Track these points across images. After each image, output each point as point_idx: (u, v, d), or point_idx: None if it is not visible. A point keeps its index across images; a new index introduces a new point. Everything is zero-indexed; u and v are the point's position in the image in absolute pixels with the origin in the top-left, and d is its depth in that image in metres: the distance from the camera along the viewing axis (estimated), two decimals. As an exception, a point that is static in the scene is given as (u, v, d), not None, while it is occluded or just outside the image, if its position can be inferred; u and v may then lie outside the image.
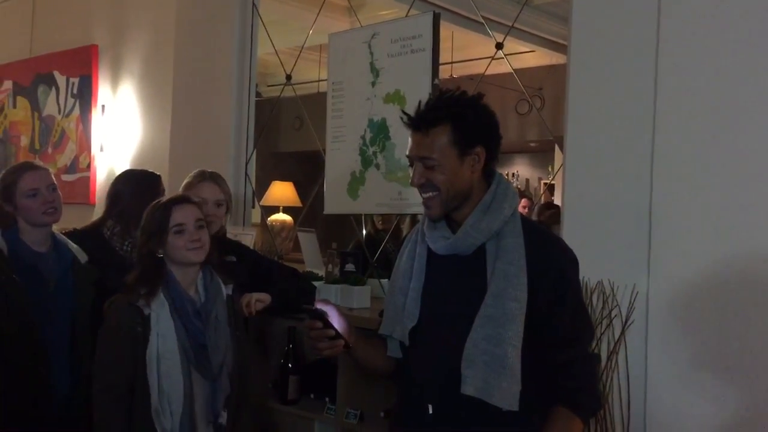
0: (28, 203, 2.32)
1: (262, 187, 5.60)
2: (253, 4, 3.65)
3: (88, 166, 4.59)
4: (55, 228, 2.44)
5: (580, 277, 1.76)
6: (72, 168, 4.71)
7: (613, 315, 2.25)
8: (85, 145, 4.63)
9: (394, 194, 2.96)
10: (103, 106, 4.55)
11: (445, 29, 3.80)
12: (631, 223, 2.26)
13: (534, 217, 4.94)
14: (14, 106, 5.24)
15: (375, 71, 3.03)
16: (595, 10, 2.40)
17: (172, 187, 2.84)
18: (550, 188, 7.00)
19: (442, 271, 1.71)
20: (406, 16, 3.10)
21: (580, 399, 1.64)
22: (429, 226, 1.72)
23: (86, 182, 4.58)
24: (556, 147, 3.21)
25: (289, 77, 3.67)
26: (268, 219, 5.38)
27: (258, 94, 3.89)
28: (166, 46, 4.05)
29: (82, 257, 2.41)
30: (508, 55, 2.95)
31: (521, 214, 1.71)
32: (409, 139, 1.68)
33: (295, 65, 3.68)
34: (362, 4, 5.10)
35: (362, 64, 3.06)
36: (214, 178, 2.55)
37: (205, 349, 2.04)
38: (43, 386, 2.26)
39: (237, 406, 2.13)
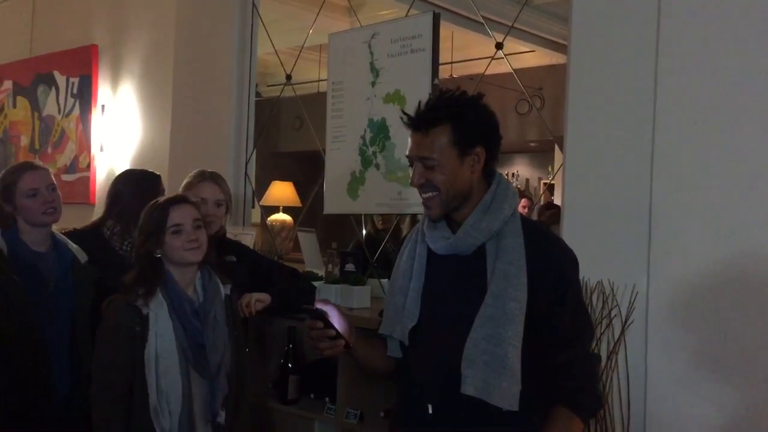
0: (28, 203, 2.32)
1: (262, 187, 5.60)
2: (253, 4, 3.65)
3: (88, 166, 4.59)
4: (54, 228, 2.44)
5: (580, 277, 1.76)
6: (72, 168, 4.71)
7: (612, 315, 2.25)
8: (84, 145, 4.63)
9: (394, 194, 2.96)
10: (103, 106, 4.55)
11: (445, 29, 3.80)
12: (631, 223, 2.26)
13: (534, 218, 4.94)
14: (14, 106, 5.24)
15: (375, 71, 3.03)
16: (595, 10, 2.40)
17: (172, 187, 2.84)
18: (550, 188, 7.01)
19: (442, 271, 1.71)
20: (406, 16, 3.10)
21: (580, 399, 1.64)
22: (429, 226, 1.72)
23: (86, 182, 4.59)
24: (556, 147, 3.21)
25: (289, 77, 3.67)
26: (268, 219, 5.38)
27: (258, 94, 3.89)
28: (166, 46, 4.05)
29: (82, 257, 2.41)
30: (508, 55, 2.95)
31: (521, 214, 1.71)
32: (409, 139, 1.67)
33: (295, 65, 3.68)
34: (362, 4, 5.10)
35: (362, 64, 3.06)
36: (214, 178, 2.55)
37: (204, 348, 2.04)
38: (43, 386, 2.26)
39: (235, 406, 2.13)
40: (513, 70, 3.02)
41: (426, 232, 1.73)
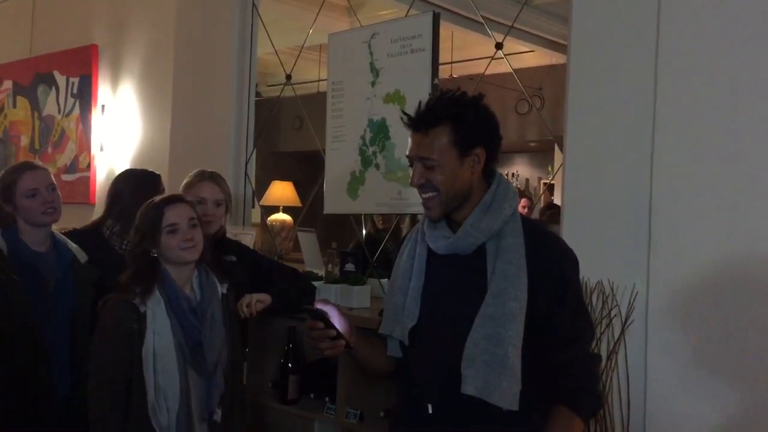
0: (28, 203, 2.33)
1: (261, 187, 5.60)
2: (253, 3, 3.65)
3: (88, 165, 4.59)
4: (54, 228, 2.44)
5: (580, 277, 1.76)
6: (72, 168, 4.71)
7: (612, 315, 2.25)
8: (85, 144, 4.63)
9: (393, 194, 2.96)
10: (103, 106, 4.55)
11: (445, 29, 3.80)
12: (631, 223, 2.26)
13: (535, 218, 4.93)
14: (14, 106, 5.24)
15: (375, 71, 3.03)
16: (595, 10, 2.40)
17: (172, 187, 2.84)
18: (550, 188, 7.00)
19: (442, 271, 1.71)
20: (406, 15, 3.10)
21: (580, 398, 1.65)
22: (429, 226, 1.72)
23: (86, 182, 4.58)
24: (556, 147, 3.20)
25: (288, 77, 3.67)
26: (268, 219, 5.37)
27: (258, 94, 3.89)
28: (166, 45, 4.05)
29: (82, 257, 2.41)
30: (507, 55, 2.95)
31: (521, 214, 1.71)
32: (409, 139, 1.68)
33: (294, 65, 3.68)
34: (362, 3, 5.09)
35: (362, 63, 3.06)
36: (214, 177, 2.55)
37: (201, 346, 2.05)
38: (43, 386, 2.26)
39: (231, 405, 2.14)
40: (513, 70, 3.02)
41: (426, 231, 1.73)
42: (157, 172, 2.75)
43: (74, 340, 2.32)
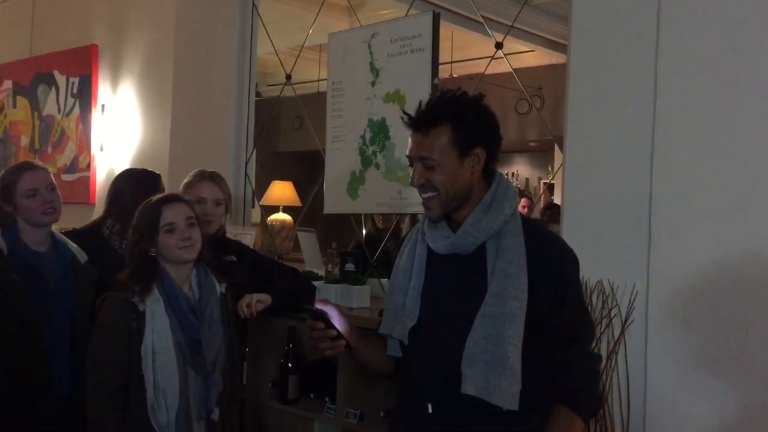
0: (28, 203, 2.33)
1: (261, 187, 5.60)
2: (253, 3, 3.65)
3: (88, 165, 4.59)
4: (54, 228, 2.44)
5: (580, 277, 1.76)
6: (72, 168, 4.71)
7: (612, 315, 2.25)
8: (85, 144, 4.62)
9: (393, 194, 2.96)
10: (103, 106, 4.55)
11: (445, 29, 3.79)
12: (631, 222, 2.26)
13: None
14: (14, 106, 5.24)
15: (375, 71, 3.03)
16: (594, 10, 2.40)
17: (172, 187, 2.84)
18: (550, 188, 7.01)
19: (442, 271, 1.71)
20: (406, 15, 3.10)
21: (580, 398, 1.65)
22: (429, 226, 1.72)
23: (86, 182, 4.58)
24: (556, 147, 3.21)
25: (288, 77, 3.67)
26: (268, 219, 5.37)
27: (258, 94, 3.89)
28: (166, 45, 4.05)
29: (82, 257, 2.41)
30: (507, 54, 2.95)
31: (521, 213, 1.71)
32: (409, 139, 1.68)
33: (294, 65, 3.68)
34: (362, 3, 5.09)
35: (362, 63, 3.06)
36: (214, 177, 2.55)
37: (200, 345, 2.06)
38: (43, 386, 2.26)
39: (228, 404, 2.15)
40: (513, 69, 3.02)
41: (426, 231, 1.73)
42: (157, 172, 2.75)
43: (74, 340, 2.32)
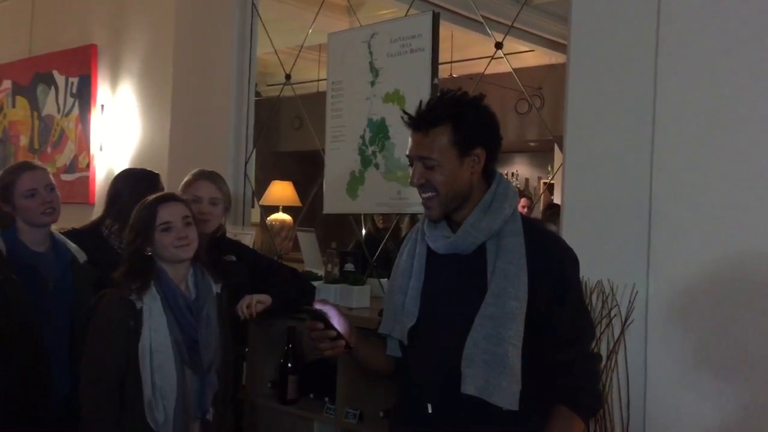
0: (27, 203, 2.32)
1: (261, 187, 5.59)
2: (253, 3, 3.65)
3: (88, 165, 4.59)
4: (53, 227, 2.43)
5: (580, 277, 1.75)
6: (71, 168, 4.71)
7: (612, 315, 2.25)
8: (84, 144, 4.62)
9: (393, 194, 2.96)
10: (102, 106, 4.54)
11: (445, 29, 3.79)
12: (631, 222, 2.26)
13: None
14: (13, 106, 5.24)
15: (374, 71, 3.02)
16: (594, 10, 2.40)
17: (171, 186, 2.84)
18: (550, 188, 7.00)
19: (442, 271, 1.71)
20: (406, 15, 3.10)
21: (580, 398, 1.64)
22: (429, 225, 1.72)
23: (85, 182, 4.58)
24: (556, 146, 3.20)
25: (288, 77, 3.67)
26: (268, 218, 5.37)
27: (257, 94, 3.89)
28: (166, 45, 4.04)
29: (81, 257, 2.41)
30: (507, 54, 2.95)
31: (521, 213, 1.71)
32: (409, 139, 1.67)
33: (294, 65, 3.68)
34: (361, 3, 5.09)
35: (362, 63, 3.06)
36: (211, 176, 2.55)
37: (197, 344, 2.06)
38: (43, 386, 2.25)
39: (223, 404, 2.16)
40: (513, 69, 3.02)
41: (426, 231, 1.72)
42: (156, 172, 2.75)
43: (74, 340, 2.32)
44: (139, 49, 4.34)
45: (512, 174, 8.74)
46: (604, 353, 2.21)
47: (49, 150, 4.90)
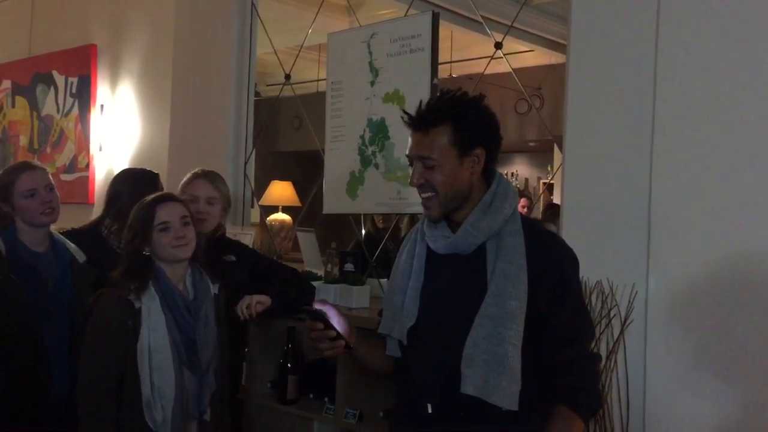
0: (26, 203, 2.32)
1: (261, 187, 5.59)
2: (252, 3, 3.64)
3: (87, 165, 4.59)
4: (53, 228, 2.43)
5: (579, 277, 1.75)
6: (71, 168, 4.71)
7: (612, 315, 2.25)
8: (83, 144, 4.62)
9: (393, 194, 2.95)
10: (101, 106, 4.54)
11: (444, 29, 3.79)
12: (631, 222, 2.26)
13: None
14: (13, 106, 5.24)
15: (374, 71, 3.02)
16: (594, 10, 2.39)
17: (171, 186, 2.83)
18: (549, 188, 7.01)
19: (442, 270, 1.71)
20: (405, 15, 3.10)
21: (580, 398, 1.64)
22: (429, 225, 1.72)
23: (85, 182, 4.58)
24: (555, 146, 3.21)
25: (288, 77, 3.66)
26: (267, 219, 5.37)
27: (257, 94, 3.89)
28: (165, 45, 4.04)
29: (81, 257, 2.41)
30: (507, 54, 2.95)
31: (521, 213, 1.71)
32: (409, 139, 1.67)
33: (294, 65, 3.68)
34: (361, 3, 5.09)
35: (361, 63, 3.06)
36: (209, 176, 2.55)
37: (195, 344, 2.06)
38: (42, 386, 2.26)
39: (221, 404, 2.16)
40: (512, 69, 3.02)
41: (426, 231, 1.72)
42: (156, 172, 2.75)
43: (73, 340, 2.32)
44: (139, 49, 4.34)
45: (512, 174, 8.74)
46: (603, 353, 2.21)
47: (48, 150, 4.90)
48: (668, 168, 2.21)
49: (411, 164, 1.68)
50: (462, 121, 1.62)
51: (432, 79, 2.83)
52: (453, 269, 1.69)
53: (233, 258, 2.54)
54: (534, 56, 6.05)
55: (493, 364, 1.57)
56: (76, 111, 4.70)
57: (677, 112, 2.21)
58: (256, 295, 2.35)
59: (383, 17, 4.34)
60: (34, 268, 2.32)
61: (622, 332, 2.24)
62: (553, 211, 4.75)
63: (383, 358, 1.78)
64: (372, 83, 3.03)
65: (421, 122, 1.64)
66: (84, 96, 4.64)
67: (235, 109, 3.64)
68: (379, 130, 3.00)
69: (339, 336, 1.67)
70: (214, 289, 2.17)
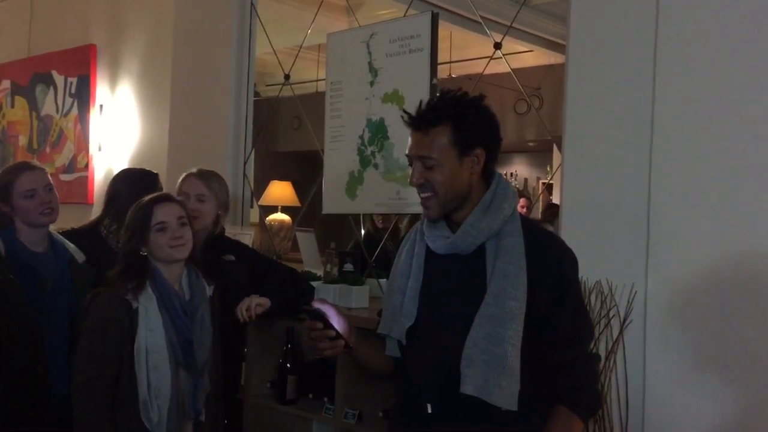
0: (25, 204, 2.32)
1: (260, 187, 5.60)
2: (252, 3, 3.64)
3: (86, 165, 4.59)
4: (52, 228, 2.43)
5: (579, 277, 1.75)
6: (70, 168, 4.71)
7: (611, 315, 2.25)
8: (83, 144, 4.62)
9: (392, 194, 2.95)
10: (101, 106, 4.55)
11: (444, 29, 3.80)
12: (630, 222, 2.26)
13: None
14: (12, 106, 5.24)
15: (373, 71, 3.02)
16: (593, 10, 2.40)
17: (170, 186, 2.83)
18: (549, 188, 7.01)
19: (441, 271, 1.71)
20: (405, 15, 3.10)
21: (579, 398, 1.64)
22: (428, 225, 1.72)
23: (84, 182, 4.58)
24: (555, 147, 3.20)
25: (287, 77, 3.66)
26: (267, 219, 5.37)
27: (256, 94, 3.89)
28: (164, 45, 4.04)
29: (80, 257, 2.41)
30: (506, 54, 2.95)
31: (521, 213, 1.71)
32: (409, 138, 1.67)
33: (293, 65, 3.68)
34: (360, 3, 5.10)
35: (361, 63, 3.06)
36: (202, 174, 2.54)
37: (191, 345, 2.06)
38: (42, 386, 2.26)
39: (215, 405, 2.17)
40: (511, 69, 3.02)
41: (425, 231, 1.72)
42: (155, 172, 2.75)
43: (73, 340, 2.31)
44: (138, 49, 4.34)
45: (511, 174, 8.74)
46: (602, 353, 2.21)
47: (47, 150, 4.90)
48: (667, 168, 2.21)
49: (410, 164, 1.68)
50: (462, 121, 1.62)
51: (431, 80, 2.83)
52: (452, 269, 1.69)
53: (233, 258, 2.54)
54: (533, 56, 6.05)
55: (492, 364, 1.57)
56: (75, 111, 4.70)
57: (676, 113, 2.21)
58: (256, 297, 2.35)
59: (382, 17, 4.35)
60: (34, 268, 2.32)
61: (621, 332, 2.24)
62: (552, 211, 4.76)
63: (383, 358, 1.78)
64: (371, 83, 3.03)
65: (421, 122, 1.64)
66: (83, 96, 4.64)
67: (235, 109, 3.64)
68: (378, 131, 3.00)
69: (338, 335, 1.67)
70: (209, 291, 2.17)
